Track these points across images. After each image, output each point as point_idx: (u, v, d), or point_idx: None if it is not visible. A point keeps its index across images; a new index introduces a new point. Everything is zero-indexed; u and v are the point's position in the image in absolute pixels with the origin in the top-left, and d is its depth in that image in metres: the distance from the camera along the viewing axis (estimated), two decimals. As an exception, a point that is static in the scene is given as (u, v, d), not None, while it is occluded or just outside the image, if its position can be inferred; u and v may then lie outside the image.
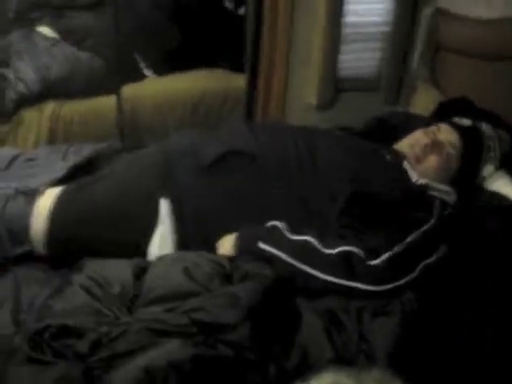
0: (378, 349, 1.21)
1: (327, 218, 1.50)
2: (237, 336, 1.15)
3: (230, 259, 1.42)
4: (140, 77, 2.99)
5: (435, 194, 1.64)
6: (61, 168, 1.76)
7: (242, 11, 3.56)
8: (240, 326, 1.16)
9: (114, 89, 2.74)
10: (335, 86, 2.51)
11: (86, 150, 1.86)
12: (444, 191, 1.67)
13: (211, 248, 1.49)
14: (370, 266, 1.34)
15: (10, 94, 2.62)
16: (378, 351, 1.21)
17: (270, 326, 1.21)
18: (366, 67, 2.57)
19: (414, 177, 1.65)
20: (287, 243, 1.38)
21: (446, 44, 2.34)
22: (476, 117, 1.88)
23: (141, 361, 1.09)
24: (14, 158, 1.89)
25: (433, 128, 1.77)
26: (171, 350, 1.11)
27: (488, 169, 1.77)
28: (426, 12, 2.46)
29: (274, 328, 1.22)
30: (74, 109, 2.70)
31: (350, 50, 2.50)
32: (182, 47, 3.11)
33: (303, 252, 1.36)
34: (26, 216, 1.55)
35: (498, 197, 1.70)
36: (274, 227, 1.43)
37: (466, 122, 1.82)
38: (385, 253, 1.36)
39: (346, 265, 1.34)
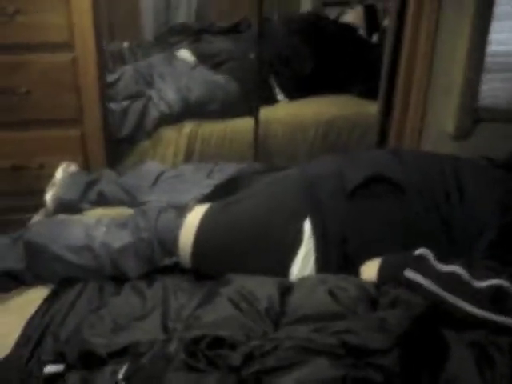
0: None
1: (474, 250, 1.47)
2: (386, 361, 1.15)
3: (375, 285, 1.42)
4: (273, 101, 3.08)
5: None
6: (207, 185, 1.84)
7: (374, 39, 3.61)
8: (390, 352, 1.16)
9: (248, 112, 2.84)
10: (474, 116, 2.45)
11: (231, 169, 1.93)
12: None
13: (351, 272, 1.50)
14: (524, 301, 1.30)
15: (153, 113, 2.77)
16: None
17: (419, 353, 1.20)
18: (507, 97, 2.50)
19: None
20: (435, 272, 1.36)
21: None
22: None
23: (292, 377, 1.12)
24: (161, 174, 2.00)
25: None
26: (322, 368, 1.13)
27: None
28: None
29: (422, 356, 1.21)
30: (211, 129, 2.82)
31: (492, 79, 2.44)
32: (315, 73, 3.17)
33: (452, 283, 1.34)
34: (176, 229, 1.63)
35: None
36: (421, 255, 1.42)
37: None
38: (537, 289, 1.31)
39: (496, 299, 1.30)
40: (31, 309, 1.56)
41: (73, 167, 2.17)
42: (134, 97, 2.82)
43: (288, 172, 1.81)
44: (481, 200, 1.53)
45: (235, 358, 1.17)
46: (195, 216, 1.66)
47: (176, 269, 1.66)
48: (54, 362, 1.34)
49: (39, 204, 2.11)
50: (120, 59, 3.39)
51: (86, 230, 1.68)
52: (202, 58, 3.19)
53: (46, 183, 2.12)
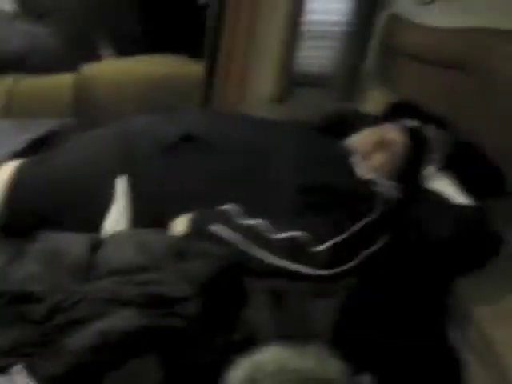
0: (319, 327, 1.30)
1: (280, 204, 1.58)
2: (188, 309, 1.21)
3: (183, 238, 1.48)
4: (100, 57, 3.01)
5: (380, 189, 1.73)
6: (20, 142, 1.78)
7: (202, 1, 3.62)
8: (191, 300, 1.22)
9: (72, 67, 2.75)
10: (291, 81, 2.59)
11: (46, 125, 1.89)
12: (388, 187, 1.77)
13: (165, 228, 1.55)
14: (316, 251, 1.42)
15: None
16: (319, 330, 1.30)
17: (220, 302, 1.28)
18: (321, 64, 2.66)
19: (361, 172, 1.74)
20: (239, 227, 1.45)
21: (400, 49, 2.44)
22: (423, 119, 1.99)
23: (96, 327, 1.14)
24: (-29, 129, 1.90)
25: (381, 127, 1.87)
26: (125, 319, 1.16)
27: (431, 168, 1.88)
28: (383, 16, 2.56)
29: (223, 304, 1.29)
30: (31, 85, 2.71)
31: (307, 46, 2.58)
32: (144, 31, 3.14)
33: (253, 235, 1.43)
34: (-17, 186, 1.57)
35: (438, 195, 1.80)
36: (227, 210, 1.49)
37: (411, 123, 1.92)
38: (330, 239, 1.45)
39: (292, 249, 1.42)
40: None
41: None
42: None
43: (106, 129, 1.81)
44: (288, 159, 1.64)
45: (38, 311, 1.18)
46: (5, 171, 1.61)
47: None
48: None
49: None
50: None
51: None
52: (24, 8, 3.03)
53: None
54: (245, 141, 1.68)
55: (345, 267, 1.46)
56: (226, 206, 1.51)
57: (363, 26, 2.59)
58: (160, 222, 1.57)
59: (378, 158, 1.81)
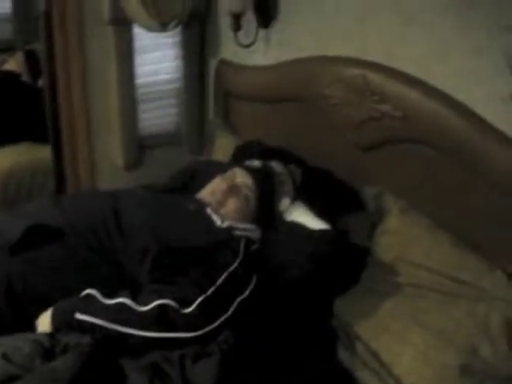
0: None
1: (140, 276, 1.56)
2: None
3: (51, 335, 1.43)
4: None
5: (240, 233, 1.76)
6: None
7: (40, 83, 3.57)
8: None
9: None
10: (139, 145, 2.60)
11: None
12: (248, 229, 1.81)
13: (31, 327, 1.49)
14: (184, 314, 1.42)
15: None
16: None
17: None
18: (165, 123, 2.69)
19: (218, 221, 1.77)
20: (103, 309, 1.42)
21: (233, 91, 2.52)
22: (267, 156, 2.06)
23: None
24: None
25: (229, 173, 1.92)
26: None
27: (284, 202, 1.94)
28: (212, 63, 2.64)
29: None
30: None
31: (147, 108, 2.60)
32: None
33: (119, 314, 1.41)
34: None
35: (295, 225, 1.86)
36: (88, 295, 1.46)
37: (256, 163, 1.98)
38: (197, 299, 1.45)
39: (161, 318, 1.41)
40: None
41: None
42: None
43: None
44: (135, 229, 1.64)
45: None
46: None
47: None
48: None
49: None
50: None
51: None
52: None
53: None
54: (96, 219, 1.66)
55: (218, 322, 1.46)
56: (86, 291, 1.47)
57: (197, 78, 2.65)
58: (24, 323, 1.51)
59: (232, 204, 1.84)
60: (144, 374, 1.32)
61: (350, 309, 1.74)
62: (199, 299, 1.45)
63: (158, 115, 2.65)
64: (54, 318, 1.45)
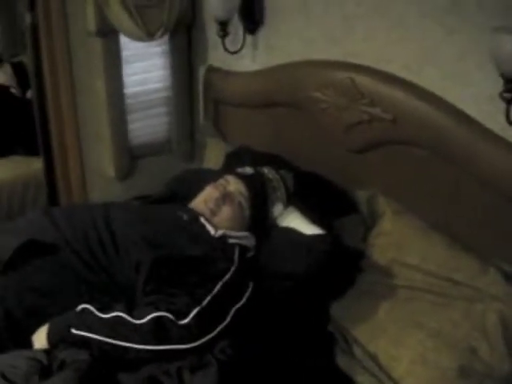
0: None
1: (135, 289, 1.56)
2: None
3: (48, 351, 1.42)
4: None
5: (234, 241, 1.76)
6: None
7: (29, 95, 3.56)
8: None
9: None
10: (130, 155, 2.59)
11: None
12: (242, 237, 1.80)
13: (28, 344, 1.48)
14: (181, 325, 1.41)
15: None
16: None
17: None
18: (156, 132, 2.68)
19: (212, 230, 1.76)
20: (99, 323, 1.41)
21: (222, 98, 2.52)
22: (258, 162, 2.06)
23: None
24: None
25: (221, 181, 1.91)
26: None
27: (278, 208, 1.93)
28: (201, 71, 2.64)
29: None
30: None
31: (137, 118, 2.59)
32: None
33: (116, 328, 1.40)
34: None
35: (289, 231, 1.86)
36: (84, 310, 1.46)
37: (248, 170, 1.98)
38: (193, 310, 1.44)
39: (158, 330, 1.40)
40: None
41: None
42: None
43: None
44: (129, 241, 1.63)
45: None
46: None
47: None
48: None
49: None
50: None
51: None
52: None
53: None
54: (90, 235, 1.66)
55: (215, 332, 1.46)
56: (82, 306, 1.47)
57: (186, 86, 2.64)
58: (21, 340, 1.50)
59: (226, 212, 1.83)
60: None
61: (346, 313, 1.74)
62: (195, 310, 1.44)
63: (148, 124, 2.64)
64: (49, 333, 1.44)
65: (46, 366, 1.36)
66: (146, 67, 2.57)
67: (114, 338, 1.39)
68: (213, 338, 1.45)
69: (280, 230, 1.88)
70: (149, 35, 2.29)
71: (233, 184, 1.90)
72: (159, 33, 2.31)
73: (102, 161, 2.56)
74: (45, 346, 1.44)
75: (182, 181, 2.15)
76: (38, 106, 2.57)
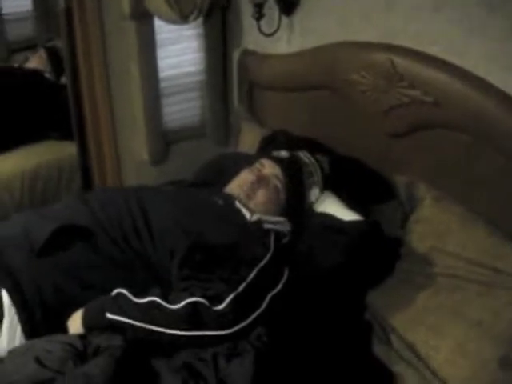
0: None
1: (170, 274, 1.54)
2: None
3: (83, 336, 1.42)
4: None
5: (270, 226, 1.73)
6: None
7: (63, 80, 3.58)
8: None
9: None
10: (164, 139, 2.57)
11: None
12: (278, 222, 1.77)
13: (62, 329, 1.48)
14: (216, 311, 1.39)
15: None
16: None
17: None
18: (190, 116, 2.66)
19: (248, 215, 1.74)
20: (134, 308, 1.40)
21: (257, 81, 2.48)
22: (294, 146, 2.02)
23: None
24: None
25: (256, 165, 1.88)
26: None
27: (314, 192, 1.90)
28: (235, 54, 2.60)
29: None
30: None
31: (171, 102, 2.57)
32: (7, 126, 3.05)
33: (150, 313, 1.39)
34: None
35: (326, 217, 1.82)
36: (119, 294, 1.44)
37: (284, 153, 1.94)
38: (228, 296, 1.42)
39: (193, 316, 1.38)
40: None
41: None
42: None
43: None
44: (164, 226, 1.61)
45: None
46: None
47: None
48: None
49: None
50: None
51: None
52: None
53: None
54: (124, 219, 1.64)
55: (250, 319, 1.43)
56: (117, 291, 1.46)
57: (220, 69, 2.61)
58: (55, 324, 1.50)
59: (261, 197, 1.81)
60: (177, 373, 1.29)
61: (384, 301, 1.70)
62: (230, 296, 1.42)
63: (182, 108, 2.62)
64: (84, 318, 1.44)
65: (80, 351, 1.35)
66: (180, 50, 2.54)
67: (148, 323, 1.37)
68: (248, 324, 1.42)
69: (317, 216, 1.84)
70: (183, 18, 2.26)
71: (268, 168, 1.87)
72: (193, 15, 2.28)
73: (136, 145, 2.55)
74: (80, 331, 1.44)
75: (217, 165, 2.13)
76: (72, 90, 2.58)
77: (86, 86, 2.48)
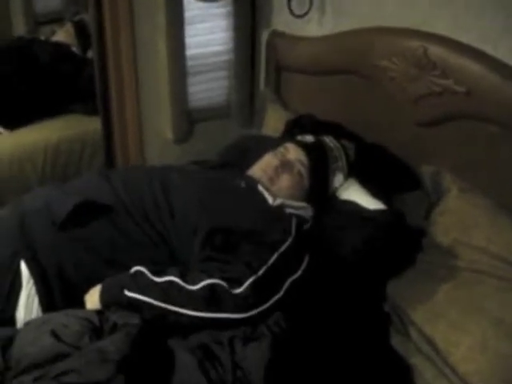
0: (252, 374, 1.26)
1: (190, 254, 1.53)
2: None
3: (100, 312, 1.41)
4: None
5: (292, 211, 1.71)
6: None
7: (89, 54, 3.56)
8: (113, 381, 1.16)
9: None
10: (189, 118, 2.56)
11: None
12: (300, 207, 1.75)
13: (80, 304, 1.48)
14: (235, 294, 1.37)
15: None
16: (252, 376, 1.25)
17: (145, 373, 1.22)
18: (215, 96, 2.64)
19: (270, 199, 1.72)
20: (152, 286, 1.39)
21: (285, 64, 2.44)
22: (320, 130, 1.99)
23: None
24: None
25: (280, 149, 1.86)
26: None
27: (338, 179, 1.87)
28: (264, 34, 2.57)
29: (148, 375, 1.23)
30: None
31: (197, 81, 2.55)
32: (33, 98, 3.05)
33: (169, 293, 1.38)
34: None
35: (350, 204, 1.80)
36: (137, 272, 1.44)
37: (309, 138, 1.91)
38: (248, 279, 1.40)
39: (211, 298, 1.37)
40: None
41: None
42: None
43: (3, 211, 1.72)
44: (187, 206, 1.60)
45: None
46: None
47: None
48: None
49: None
50: None
51: None
52: None
53: None
54: (146, 197, 1.64)
55: (269, 303, 1.41)
56: (135, 268, 1.45)
57: (247, 50, 2.59)
58: (72, 299, 1.50)
59: (285, 181, 1.79)
60: (193, 354, 1.28)
61: (404, 293, 1.68)
62: (250, 279, 1.40)
63: (208, 88, 2.60)
64: (102, 294, 1.43)
65: (97, 327, 1.35)
66: (208, 29, 2.51)
67: (165, 302, 1.36)
68: (266, 309, 1.41)
69: (340, 203, 1.82)
70: (212, -4, 2.24)
71: (292, 152, 1.84)
72: (223, -7, 2.26)
73: (161, 123, 2.53)
74: (97, 307, 1.44)
75: (241, 147, 2.11)
76: (98, 65, 2.56)
77: (113, 61, 2.45)
